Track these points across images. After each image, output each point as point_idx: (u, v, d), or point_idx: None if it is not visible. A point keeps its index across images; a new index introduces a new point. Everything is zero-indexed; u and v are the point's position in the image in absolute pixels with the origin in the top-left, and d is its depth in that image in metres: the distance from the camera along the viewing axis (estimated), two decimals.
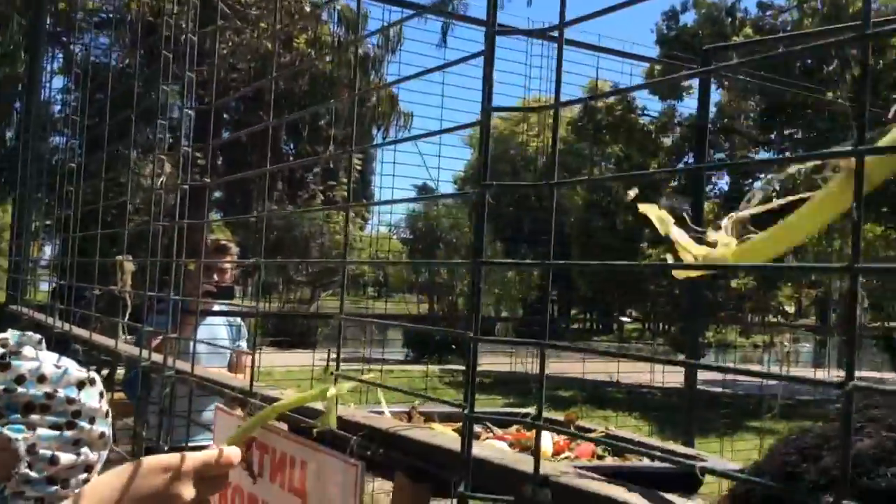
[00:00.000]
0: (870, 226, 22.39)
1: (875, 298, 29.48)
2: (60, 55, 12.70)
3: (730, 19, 16.91)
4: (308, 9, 15.68)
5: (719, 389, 16.05)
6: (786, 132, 18.26)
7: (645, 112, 19.48)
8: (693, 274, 0.83)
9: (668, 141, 20.07)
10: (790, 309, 39.23)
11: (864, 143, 0.53)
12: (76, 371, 1.23)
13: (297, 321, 17.84)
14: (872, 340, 27.66)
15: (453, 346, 19.85)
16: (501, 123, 25.44)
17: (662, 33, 18.69)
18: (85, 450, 1.19)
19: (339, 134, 16.09)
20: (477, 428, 1.54)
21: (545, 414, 1.79)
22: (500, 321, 23.24)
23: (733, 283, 24.56)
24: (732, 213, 0.73)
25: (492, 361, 16.46)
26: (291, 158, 20.07)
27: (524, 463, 0.91)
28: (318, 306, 20.69)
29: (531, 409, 1.59)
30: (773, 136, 18.20)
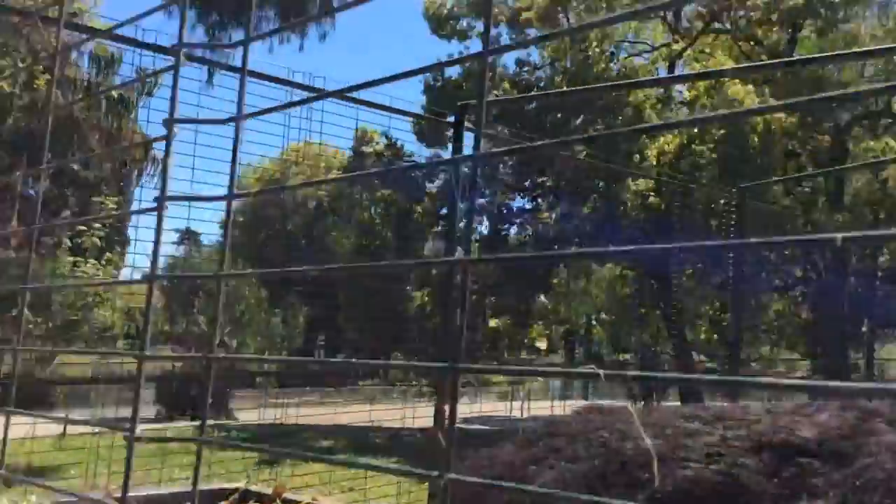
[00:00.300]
0: (611, 265, 24.50)
1: (613, 329, 32.15)
2: None
3: (490, 74, 17.85)
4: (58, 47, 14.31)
5: (478, 426, 16.64)
6: (539, 180, 19.57)
7: (412, 159, 20.00)
8: None
9: (433, 186, 20.70)
10: (542, 345, 41.85)
11: (468, 254, 0.63)
12: None
13: (33, 381, 15.96)
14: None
15: (210, 401, 18.77)
16: (272, 166, 24.89)
17: (429, 83, 19.36)
18: None
19: (90, 177, 14.82)
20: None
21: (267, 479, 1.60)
22: (260, 375, 22.46)
23: (492, 323, 25.67)
24: None
25: (257, 418, 15.88)
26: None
27: None
28: (56, 366, 18.74)
29: (242, 484, 1.51)
30: (527, 184, 19.43)
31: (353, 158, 18.84)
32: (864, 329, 22.43)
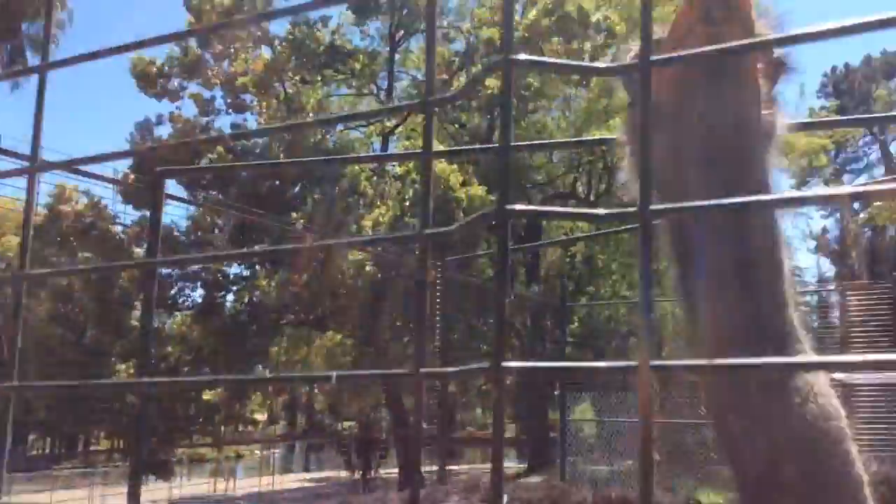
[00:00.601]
0: (331, 334, 24.68)
1: (335, 398, 32.20)
2: None
3: (205, 137, 17.52)
4: None
5: None
6: (257, 247, 19.34)
7: (117, 221, 18.84)
8: None
9: (140, 250, 19.61)
10: (261, 417, 40.69)
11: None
12: None
13: None
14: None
15: None
16: None
17: (136, 143, 18.48)
18: None
19: None
20: None
21: None
22: None
23: (205, 396, 24.56)
24: None
25: None
26: None
27: None
28: None
29: None
30: (244, 250, 19.11)
31: (49, 217, 17.31)
32: (556, 392, 24.55)
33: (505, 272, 0.97)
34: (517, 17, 18.27)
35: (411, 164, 16.40)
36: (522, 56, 1.00)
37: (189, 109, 18.91)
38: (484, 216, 0.96)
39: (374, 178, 17.96)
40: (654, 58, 0.93)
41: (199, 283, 20.85)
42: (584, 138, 16.70)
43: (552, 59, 1.06)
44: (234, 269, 20.94)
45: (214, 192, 16.86)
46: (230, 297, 21.01)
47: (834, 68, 41.54)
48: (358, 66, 18.41)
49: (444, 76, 18.27)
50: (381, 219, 18.19)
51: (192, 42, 17.31)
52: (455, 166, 16.99)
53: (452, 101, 1.19)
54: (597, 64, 1.15)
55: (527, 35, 17.45)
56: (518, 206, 0.93)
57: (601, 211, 0.97)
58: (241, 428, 34.95)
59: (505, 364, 0.82)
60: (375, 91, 19.49)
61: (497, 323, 0.94)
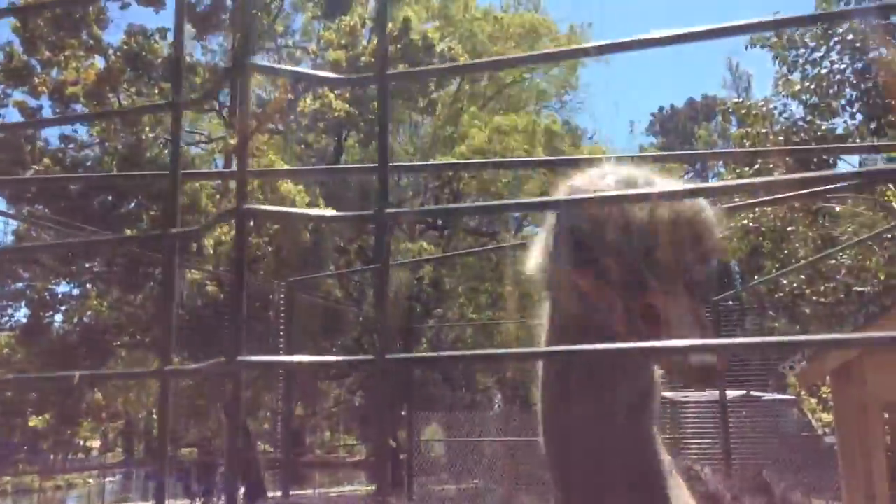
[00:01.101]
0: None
1: (171, 425, 31.02)
2: None
3: (30, 147, 16.48)
4: None
5: None
6: (88, 265, 18.41)
7: None
8: None
9: None
10: (94, 444, 38.43)
11: None
12: None
13: None
14: None
15: None
16: None
17: None
18: None
19: None
20: None
21: None
22: None
23: (31, 422, 23.09)
24: None
25: None
26: None
27: None
28: None
29: None
30: (74, 269, 18.15)
31: None
32: (403, 412, 24.71)
33: (242, 268, 1.03)
34: (364, 42, 18.51)
35: (256, 183, 16.10)
36: (258, 62, 1.08)
37: (13, 118, 17.73)
38: (225, 214, 1.01)
39: (217, 195, 17.51)
40: (389, 72, 1.04)
41: (23, 302, 19.52)
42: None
43: (287, 67, 1.14)
44: (62, 288, 19.75)
45: (41, 207, 15.83)
46: (59, 317, 19.78)
47: (661, 108, 44.99)
48: (199, 80, 17.96)
49: (291, 96, 18.09)
50: (223, 238, 17.72)
51: (18, 47, 16.25)
52: (301, 187, 16.85)
53: (199, 105, 1.25)
54: (333, 75, 1.24)
55: (372, 60, 17.61)
56: (254, 206, 0.99)
57: (332, 212, 1.05)
58: (72, 455, 32.93)
59: (240, 359, 0.86)
60: (217, 108, 18.97)
61: (233, 318, 1.00)
